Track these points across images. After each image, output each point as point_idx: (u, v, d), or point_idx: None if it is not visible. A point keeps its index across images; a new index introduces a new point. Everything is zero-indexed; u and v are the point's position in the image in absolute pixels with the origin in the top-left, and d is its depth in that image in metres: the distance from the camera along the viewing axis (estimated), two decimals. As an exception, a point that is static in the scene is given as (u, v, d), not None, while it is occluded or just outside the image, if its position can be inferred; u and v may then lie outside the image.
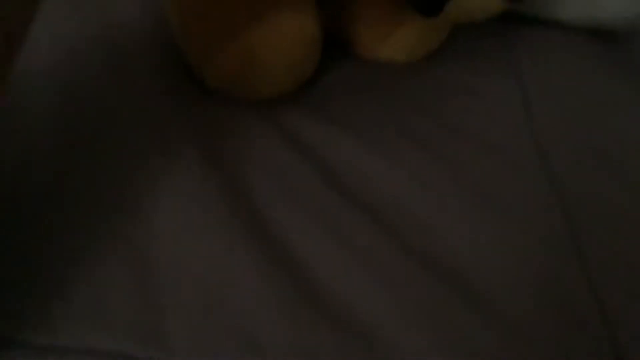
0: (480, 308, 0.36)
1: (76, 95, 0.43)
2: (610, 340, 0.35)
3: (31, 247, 0.35)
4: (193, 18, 0.44)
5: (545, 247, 0.39)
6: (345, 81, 0.48)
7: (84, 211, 0.37)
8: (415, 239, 0.38)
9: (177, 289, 0.34)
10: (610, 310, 0.36)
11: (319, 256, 0.37)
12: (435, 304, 0.36)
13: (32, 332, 0.31)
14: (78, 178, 0.38)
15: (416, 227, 0.39)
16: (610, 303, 0.37)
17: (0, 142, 0.39)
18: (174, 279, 0.34)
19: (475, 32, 0.51)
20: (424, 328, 0.34)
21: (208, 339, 0.33)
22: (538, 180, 0.42)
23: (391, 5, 0.48)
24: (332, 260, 0.37)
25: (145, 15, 0.49)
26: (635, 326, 0.36)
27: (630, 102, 0.49)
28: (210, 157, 0.41)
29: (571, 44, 0.52)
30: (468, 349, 0.34)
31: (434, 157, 0.43)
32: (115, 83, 0.44)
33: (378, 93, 0.47)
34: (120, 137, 0.41)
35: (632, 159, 0.45)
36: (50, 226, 0.36)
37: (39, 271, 0.34)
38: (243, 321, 0.33)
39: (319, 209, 0.39)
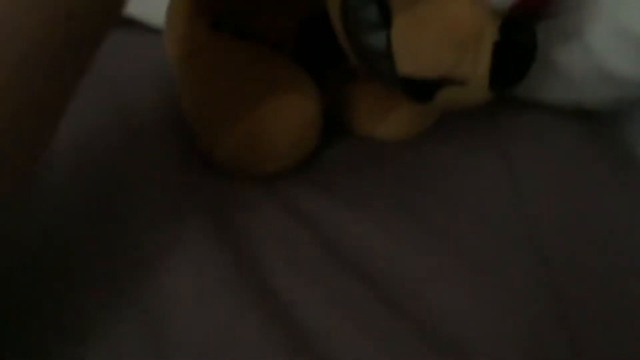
0: None
1: (94, 172, 0.46)
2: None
3: (47, 308, 0.36)
4: (202, 103, 0.47)
5: (534, 317, 0.41)
6: (345, 155, 0.51)
7: (99, 275, 0.39)
8: (411, 305, 0.40)
9: (188, 352, 0.36)
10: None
11: (322, 324, 0.38)
12: None
13: None
14: (94, 243, 0.41)
15: (412, 294, 0.40)
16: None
17: (24, 209, 0.41)
18: (186, 343, 0.36)
19: (463, 112, 0.51)
20: None
21: None
22: (526, 254, 0.44)
23: (387, 91, 0.51)
24: (335, 328, 0.38)
25: (158, 97, 0.52)
26: None
27: (615, 186, 0.51)
28: (220, 226, 0.43)
29: (557, 124, 0.54)
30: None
31: (429, 229, 0.45)
32: (130, 159, 0.47)
33: (375, 168, 0.50)
34: (136, 207, 0.44)
35: (618, 240, 0.46)
36: (66, 289, 0.37)
37: (53, 333, 0.35)
38: None
39: (326, 283, 0.41)
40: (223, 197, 0.46)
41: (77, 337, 0.35)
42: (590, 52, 0.50)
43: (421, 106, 0.45)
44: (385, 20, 0.39)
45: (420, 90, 0.42)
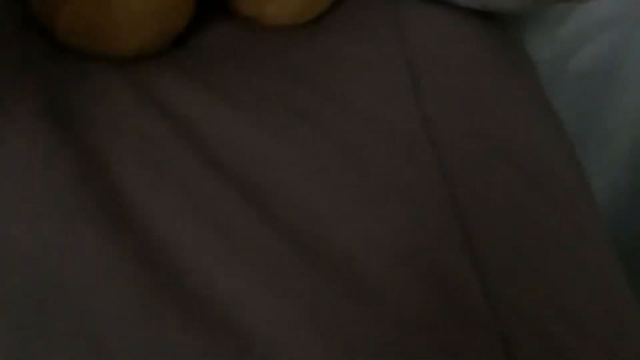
0: (364, 299, 0.32)
1: None
2: (499, 333, 0.33)
3: None
4: None
5: (436, 237, 0.36)
6: (224, 45, 0.44)
7: None
8: (301, 223, 0.34)
9: (8, 277, 0.29)
10: (500, 302, 0.34)
11: (187, 244, 0.32)
12: (315, 294, 0.32)
13: None
14: None
15: (301, 212, 0.35)
16: (499, 293, 0.35)
17: None
18: (6, 266, 0.29)
19: (360, 4, 0.48)
20: (305, 326, 0.30)
21: (40, 341, 0.27)
22: (429, 165, 0.39)
23: None
24: (203, 249, 0.32)
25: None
26: (524, 320, 0.34)
27: (514, 88, 0.48)
28: (52, 114, 0.35)
29: (457, 23, 0.50)
30: (350, 344, 0.30)
31: (321, 134, 0.39)
32: None
33: (259, 61, 0.43)
34: None
35: (519, 145, 0.43)
36: None
37: None
38: (85, 319, 0.28)
39: (190, 190, 0.34)
40: (63, 81, 0.38)
41: None
42: None
43: None
44: None
45: None
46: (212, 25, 0.44)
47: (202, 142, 0.36)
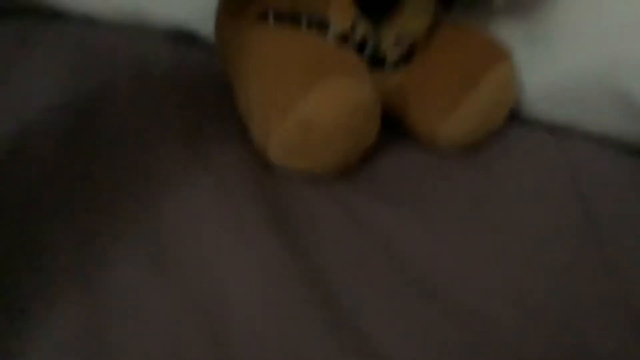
0: None
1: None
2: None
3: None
4: (254, 96, 0.46)
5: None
6: (404, 167, 0.49)
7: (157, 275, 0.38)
8: (475, 326, 0.38)
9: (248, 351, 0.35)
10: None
11: (387, 335, 0.37)
12: None
13: None
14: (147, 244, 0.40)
15: (472, 312, 0.39)
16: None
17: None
18: (248, 345, 0.35)
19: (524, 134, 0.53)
20: None
21: None
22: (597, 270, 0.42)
23: (451, 82, 0.49)
24: (400, 339, 0.36)
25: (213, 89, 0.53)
26: None
27: None
28: (278, 225, 0.42)
29: (624, 163, 0.52)
30: None
31: (496, 252, 0.43)
32: (189, 158, 0.47)
33: (436, 184, 0.48)
34: (192, 204, 0.43)
35: None
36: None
37: None
38: None
39: (384, 288, 0.39)
40: (280, 197, 0.45)
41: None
42: None
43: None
44: None
45: None
46: (391, 147, 0.50)
47: (398, 252, 0.42)
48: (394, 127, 0.50)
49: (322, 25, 0.46)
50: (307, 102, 0.43)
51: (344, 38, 0.47)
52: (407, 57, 0.49)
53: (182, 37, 0.64)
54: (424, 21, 0.49)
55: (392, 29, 0.48)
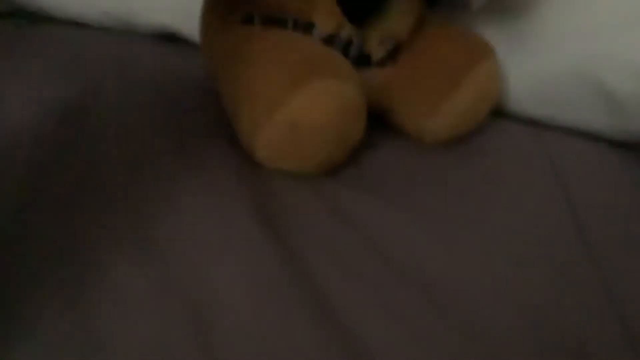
0: None
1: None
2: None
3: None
4: (239, 97, 0.46)
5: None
6: (392, 163, 0.50)
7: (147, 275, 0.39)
8: (464, 322, 0.38)
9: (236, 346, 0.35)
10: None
11: (375, 332, 0.37)
12: None
13: None
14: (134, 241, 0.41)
15: (462, 309, 0.39)
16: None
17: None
18: (234, 339, 0.35)
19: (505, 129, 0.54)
20: None
21: None
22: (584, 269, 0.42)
23: (436, 80, 0.50)
24: (388, 336, 0.37)
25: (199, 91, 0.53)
26: None
27: None
28: (267, 225, 0.43)
29: (604, 155, 0.53)
30: None
31: (486, 243, 0.44)
32: (175, 158, 0.48)
33: (425, 178, 0.49)
34: (179, 203, 0.44)
35: None
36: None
37: None
38: None
39: (373, 284, 0.40)
40: (269, 196, 0.45)
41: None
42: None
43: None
44: None
45: None
46: (378, 144, 0.50)
47: (386, 247, 0.42)
48: (379, 123, 0.50)
49: (308, 28, 0.47)
50: (294, 102, 0.43)
51: (329, 39, 0.47)
52: (393, 55, 0.50)
53: (169, 39, 0.64)
54: (408, 21, 0.49)
55: (376, 31, 0.49)
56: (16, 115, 0.51)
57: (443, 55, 0.50)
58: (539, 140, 0.53)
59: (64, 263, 0.39)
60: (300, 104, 0.43)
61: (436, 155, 0.51)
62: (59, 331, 0.35)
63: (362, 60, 0.49)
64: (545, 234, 0.44)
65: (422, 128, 0.50)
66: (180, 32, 0.64)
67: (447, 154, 0.51)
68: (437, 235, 0.44)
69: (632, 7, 0.52)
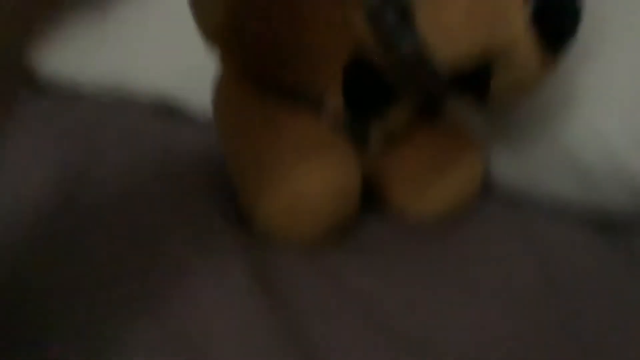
0: None
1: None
2: None
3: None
4: (244, 169, 0.49)
5: None
6: (381, 236, 0.52)
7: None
8: None
9: None
10: None
11: None
12: None
13: None
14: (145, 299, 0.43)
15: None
16: None
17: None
18: None
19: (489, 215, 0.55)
20: None
21: None
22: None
23: (424, 168, 0.53)
24: None
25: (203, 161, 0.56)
26: None
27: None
28: (266, 292, 0.45)
29: (578, 238, 0.54)
30: None
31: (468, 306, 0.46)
32: (178, 225, 0.50)
33: (412, 252, 0.51)
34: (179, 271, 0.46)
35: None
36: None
37: None
38: None
39: (364, 344, 0.42)
40: (268, 264, 0.47)
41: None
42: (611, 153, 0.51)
43: (482, 106, 0.45)
44: (408, 15, 0.40)
45: (474, 83, 0.43)
46: (370, 216, 0.53)
47: (379, 313, 0.44)
48: (373, 197, 0.53)
49: (318, 103, 0.49)
50: (296, 181, 0.47)
51: (336, 117, 0.50)
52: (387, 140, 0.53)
53: (168, 107, 0.67)
54: (407, 115, 0.52)
55: (380, 127, 0.51)
56: (22, 187, 0.53)
57: (432, 146, 0.53)
58: (518, 217, 0.55)
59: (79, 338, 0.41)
60: (301, 184, 0.47)
61: (422, 230, 0.53)
62: None
63: (360, 137, 0.51)
64: (524, 305, 0.46)
65: (407, 211, 0.53)
66: (179, 101, 0.66)
67: (429, 231, 0.53)
68: (428, 304, 0.46)
69: (596, 82, 0.53)
